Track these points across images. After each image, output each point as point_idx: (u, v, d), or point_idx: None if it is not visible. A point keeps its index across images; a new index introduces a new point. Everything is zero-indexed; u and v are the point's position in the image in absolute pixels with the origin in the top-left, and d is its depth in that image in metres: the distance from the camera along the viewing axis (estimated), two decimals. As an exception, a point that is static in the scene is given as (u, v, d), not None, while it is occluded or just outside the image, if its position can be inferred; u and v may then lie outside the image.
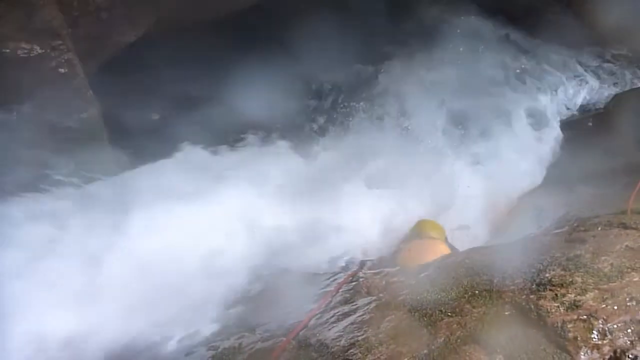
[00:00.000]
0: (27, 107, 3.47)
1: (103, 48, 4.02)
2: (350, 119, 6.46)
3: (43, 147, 3.61)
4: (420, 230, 4.24)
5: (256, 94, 5.68)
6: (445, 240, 4.25)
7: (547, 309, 2.25)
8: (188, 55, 5.52)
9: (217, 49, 5.74)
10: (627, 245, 2.58)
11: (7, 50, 3.36)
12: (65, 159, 3.70)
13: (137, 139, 4.77)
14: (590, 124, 6.44)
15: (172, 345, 3.03)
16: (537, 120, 6.64)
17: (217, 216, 3.97)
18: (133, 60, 4.57)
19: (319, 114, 6.49)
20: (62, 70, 3.51)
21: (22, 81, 3.44)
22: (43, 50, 3.43)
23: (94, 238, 3.54)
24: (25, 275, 3.18)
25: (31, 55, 3.38)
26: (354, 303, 2.93)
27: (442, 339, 2.29)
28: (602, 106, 6.67)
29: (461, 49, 7.06)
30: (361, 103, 6.60)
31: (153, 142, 4.78)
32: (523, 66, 7.29)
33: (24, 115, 3.43)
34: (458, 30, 7.18)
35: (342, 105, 6.60)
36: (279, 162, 4.94)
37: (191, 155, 4.66)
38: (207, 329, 3.13)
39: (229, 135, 5.30)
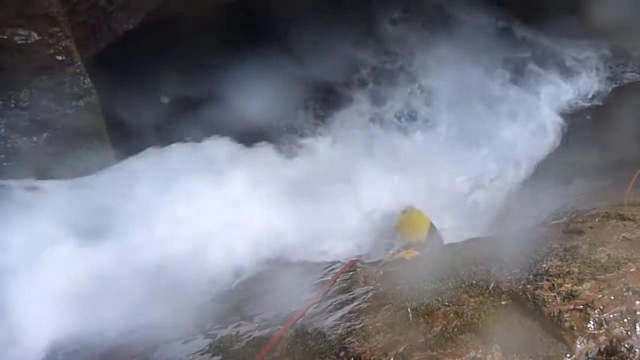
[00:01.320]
0: (24, 94, 3.45)
1: (101, 36, 3.99)
2: (348, 108, 6.46)
3: (40, 136, 3.60)
4: (403, 226, 4.25)
5: (254, 87, 5.67)
6: (431, 227, 4.24)
7: (544, 299, 2.26)
8: (185, 45, 5.48)
9: (214, 41, 5.71)
10: (624, 237, 2.59)
11: (5, 37, 3.33)
12: (63, 148, 3.68)
13: (135, 132, 4.77)
14: (589, 117, 6.46)
15: (170, 334, 3.02)
16: (535, 113, 6.65)
17: (215, 210, 3.98)
18: (130, 49, 4.54)
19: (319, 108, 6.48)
20: (59, 58, 3.48)
21: (19, 68, 3.42)
22: (40, 37, 3.40)
23: (89, 231, 3.55)
24: (22, 273, 3.18)
25: (28, 41, 3.35)
26: (351, 292, 2.94)
27: (439, 327, 2.30)
28: (600, 100, 6.68)
29: (462, 43, 7.05)
30: (361, 96, 6.61)
31: (151, 135, 4.78)
32: (522, 60, 7.29)
33: (21, 102, 3.41)
34: (460, 25, 7.16)
35: (341, 97, 6.60)
36: (275, 157, 4.95)
37: (190, 149, 4.66)
38: (205, 318, 3.13)
39: (229, 130, 5.29)
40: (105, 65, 4.29)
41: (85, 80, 3.64)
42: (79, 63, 3.59)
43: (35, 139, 3.58)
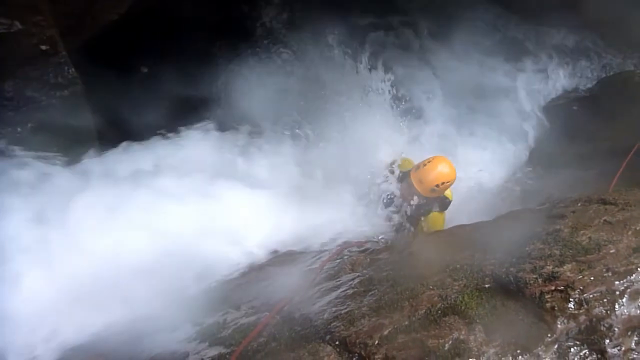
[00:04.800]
0: (8, 85, 3.41)
1: (85, 25, 3.95)
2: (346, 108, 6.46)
3: (25, 126, 3.57)
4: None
5: (252, 83, 5.66)
6: None
7: (526, 281, 2.28)
8: (172, 35, 5.45)
9: (203, 30, 5.68)
10: (605, 220, 2.63)
11: (-14, 26, 3.29)
12: (48, 138, 3.65)
13: (123, 124, 4.73)
14: (575, 107, 6.52)
15: (157, 324, 3.03)
16: (523, 104, 6.70)
17: (204, 201, 3.97)
18: (116, 39, 4.50)
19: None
20: (43, 47, 3.45)
21: (2, 58, 3.37)
22: (23, 26, 3.35)
23: (76, 224, 3.53)
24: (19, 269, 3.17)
25: (11, 31, 3.31)
26: (338, 279, 2.96)
27: (423, 310, 2.32)
28: (587, 90, 6.75)
29: (457, 35, 7.08)
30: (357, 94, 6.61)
31: (138, 128, 4.73)
32: (510, 51, 7.33)
33: (5, 92, 3.37)
34: (454, 17, 7.16)
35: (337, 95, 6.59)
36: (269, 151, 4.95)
37: (179, 144, 4.65)
38: (193, 307, 3.13)
39: (223, 125, 5.27)
40: (91, 56, 4.25)
41: (70, 70, 3.61)
42: (64, 53, 3.56)
43: (19, 129, 3.56)
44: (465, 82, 6.76)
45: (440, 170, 3.90)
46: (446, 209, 4.17)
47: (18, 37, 3.36)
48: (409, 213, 4.12)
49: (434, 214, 4.14)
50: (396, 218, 4.16)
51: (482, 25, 7.19)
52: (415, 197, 4.03)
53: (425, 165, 3.95)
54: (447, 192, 4.11)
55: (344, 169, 4.82)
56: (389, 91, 6.50)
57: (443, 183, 3.91)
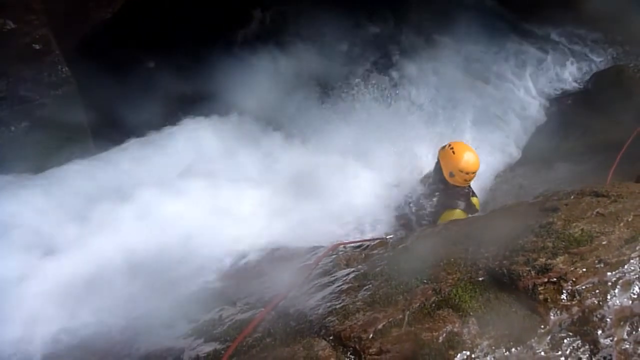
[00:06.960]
0: (2, 84, 3.41)
1: (79, 24, 3.95)
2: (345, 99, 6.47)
3: (19, 125, 3.57)
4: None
5: (247, 80, 5.66)
6: None
7: (519, 273, 2.29)
8: (166, 32, 5.44)
9: (198, 26, 5.67)
10: (597, 212, 2.63)
11: (-22, 25, 3.28)
12: (42, 137, 3.65)
13: (117, 122, 4.73)
14: (570, 101, 6.54)
15: (153, 320, 3.03)
16: (517, 98, 6.71)
17: (200, 199, 3.98)
18: (110, 37, 4.50)
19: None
20: (36, 46, 3.44)
21: (-5, 57, 3.38)
22: (16, 26, 3.35)
23: (73, 225, 3.53)
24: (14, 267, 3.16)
25: (3, 30, 3.30)
26: (333, 275, 2.97)
27: (418, 304, 2.33)
28: (580, 84, 6.77)
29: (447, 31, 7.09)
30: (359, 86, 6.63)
31: (133, 125, 4.73)
32: (505, 44, 7.35)
33: (-3, 92, 3.37)
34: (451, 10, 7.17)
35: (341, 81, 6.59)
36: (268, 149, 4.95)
37: (177, 141, 4.65)
38: (189, 304, 3.14)
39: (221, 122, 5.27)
40: (85, 55, 4.25)
41: (64, 69, 3.61)
42: (57, 52, 3.55)
43: (13, 128, 3.56)
44: (460, 78, 6.78)
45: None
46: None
47: (11, 36, 3.36)
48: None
49: (458, 212, 4.01)
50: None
51: (478, 21, 7.19)
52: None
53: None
54: (475, 202, 4.16)
55: (342, 167, 4.83)
56: (386, 88, 6.54)
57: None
